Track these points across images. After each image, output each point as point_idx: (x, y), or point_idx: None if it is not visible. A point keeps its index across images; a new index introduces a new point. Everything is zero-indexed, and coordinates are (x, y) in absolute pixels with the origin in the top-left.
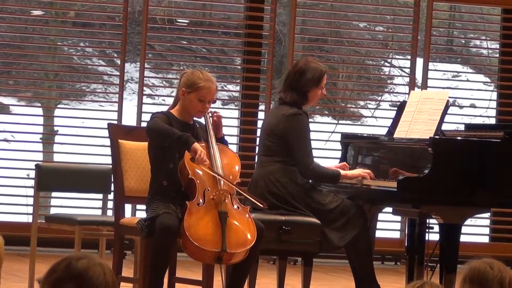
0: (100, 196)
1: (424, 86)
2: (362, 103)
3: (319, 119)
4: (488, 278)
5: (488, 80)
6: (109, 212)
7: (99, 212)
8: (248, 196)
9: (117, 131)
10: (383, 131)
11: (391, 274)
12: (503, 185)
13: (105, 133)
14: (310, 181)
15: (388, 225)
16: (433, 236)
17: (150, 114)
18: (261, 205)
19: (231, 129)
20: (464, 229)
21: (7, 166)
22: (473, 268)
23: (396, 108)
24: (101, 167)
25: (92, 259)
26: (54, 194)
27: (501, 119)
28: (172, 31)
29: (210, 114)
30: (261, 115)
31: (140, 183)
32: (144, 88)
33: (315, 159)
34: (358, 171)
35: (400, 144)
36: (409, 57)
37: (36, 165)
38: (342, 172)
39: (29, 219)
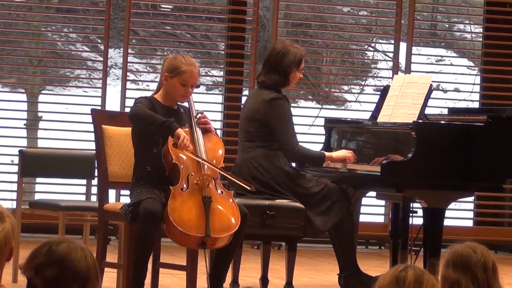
0: (84, 181)
1: (408, 70)
2: (346, 87)
3: (303, 104)
4: (471, 262)
5: (471, 64)
6: (93, 198)
7: (83, 197)
8: (234, 180)
9: (100, 117)
10: (367, 115)
11: (375, 258)
12: (486, 169)
13: (89, 118)
14: (294, 165)
15: (372, 210)
16: (417, 220)
17: (134, 100)
18: (249, 188)
19: (215, 114)
20: (448, 213)
21: None
22: (456, 252)
23: (379, 93)
24: (85, 152)
25: (73, 243)
26: (38, 180)
27: (484, 103)
28: (155, 16)
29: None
30: (244, 100)
31: (124, 168)
32: (128, 73)
33: (299, 143)
34: (342, 152)
35: (384, 129)
36: (392, 41)
37: (19, 151)
38: (327, 153)
39: (13, 205)
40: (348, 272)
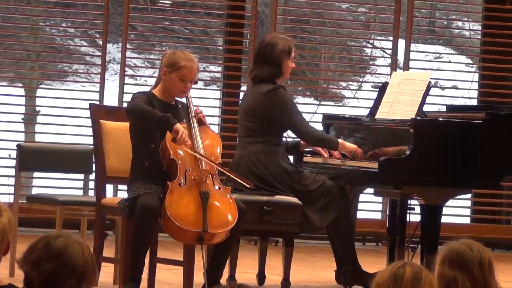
0: (82, 176)
1: (406, 67)
2: (344, 84)
3: (301, 100)
4: (468, 259)
5: (470, 61)
6: (91, 192)
7: (80, 192)
8: (233, 177)
9: (98, 112)
10: (365, 112)
11: (372, 255)
12: (484, 166)
13: (87, 113)
14: (292, 160)
15: (370, 206)
16: (414, 217)
17: (132, 95)
18: (247, 185)
19: (213, 110)
20: (445, 210)
21: None
22: (452, 249)
23: (378, 89)
24: (83, 147)
25: (70, 237)
26: (35, 174)
27: (482, 101)
28: (154, 11)
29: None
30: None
31: (122, 163)
32: (126, 68)
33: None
34: (354, 146)
35: (382, 125)
36: (391, 38)
37: (17, 145)
38: (340, 140)
39: (10, 199)
40: (346, 268)
